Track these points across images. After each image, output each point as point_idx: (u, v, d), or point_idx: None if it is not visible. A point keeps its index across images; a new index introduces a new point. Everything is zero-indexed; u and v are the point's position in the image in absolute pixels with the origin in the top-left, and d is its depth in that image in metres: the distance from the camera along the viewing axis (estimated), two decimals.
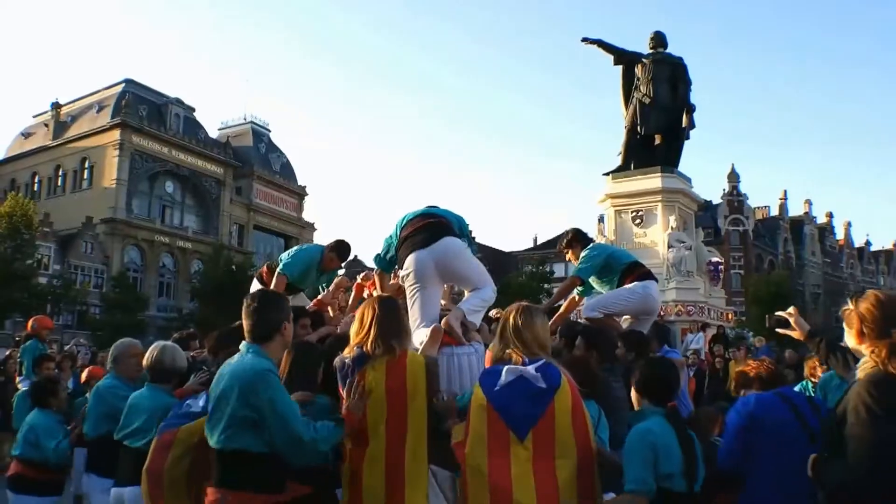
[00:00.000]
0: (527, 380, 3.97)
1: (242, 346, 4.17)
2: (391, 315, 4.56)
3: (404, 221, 6.43)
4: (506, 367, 4.03)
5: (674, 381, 4.70)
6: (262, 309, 4.25)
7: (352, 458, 4.35)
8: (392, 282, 7.56)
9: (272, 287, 8.10)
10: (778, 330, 4.92)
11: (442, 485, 4.59)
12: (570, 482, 3.89)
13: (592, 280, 8.21)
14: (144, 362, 6.03)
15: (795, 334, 4.83)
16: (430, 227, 6.29)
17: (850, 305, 3.67)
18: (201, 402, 4.97)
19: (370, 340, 4.43)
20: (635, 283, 7.90)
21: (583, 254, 8.18)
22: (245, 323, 4.24)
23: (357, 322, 4.61)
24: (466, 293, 6.40)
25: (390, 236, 6.68)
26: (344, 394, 4.38)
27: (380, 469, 4.23)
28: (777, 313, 4.93)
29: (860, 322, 3.57)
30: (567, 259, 8.68)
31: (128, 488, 5.40)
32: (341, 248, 8.65)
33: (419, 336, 5.36)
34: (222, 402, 3.95)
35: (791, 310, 4.87)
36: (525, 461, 3.86)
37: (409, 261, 6.10)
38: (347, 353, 4.51)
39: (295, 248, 8.85)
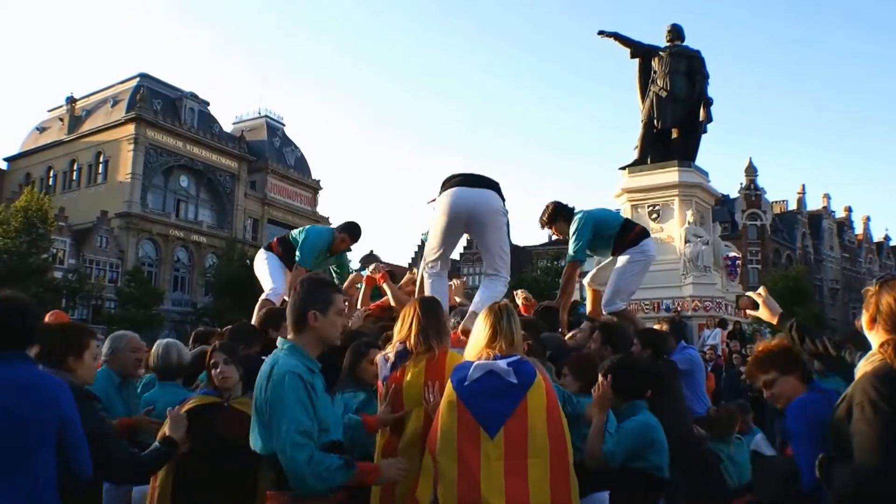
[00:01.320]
0: (498, 375, 3.87)
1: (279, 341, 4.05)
2: (432, 315, 4.55)
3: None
4: (476, 362, 3.96)
5: (652, 377, 4.99)
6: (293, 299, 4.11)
7: (386, 446, 4.40)
8: (407, 276, 7.59)
9: (291, 278, 8.16)
10: (748, 312, 4.69)
11: None
12: (542, 483, 3.78)
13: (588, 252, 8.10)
14: (150, 361, 6.00)
15: (765, 316, 4.60)
16: (479, 175, 6.37)
17: (874, 289, 3.51)
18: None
19: (412, 337, 4.42)
20: (631, 250, 7.74)
21: (571, 231, 7.89)
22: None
23: (399, 321, 4.60)
24: (483, 279, 6.46)
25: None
26: (382, 390, 4.47)
27: (415, 456, 4.20)
28: (746, 293, 4.72)
29: (876, 310, 3.44)
30: (551, 235, 8.49)
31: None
32: (353, 229, 8.66)
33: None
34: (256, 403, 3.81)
35: (761, 290, 4.65)
36: (496, 459, 3.76)
37: (447, 194, 6.18)
38: (390, 350, 4.52)
39: (305, 228, 8.77)
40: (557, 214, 8.18)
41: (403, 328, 4.51)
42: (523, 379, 3.86)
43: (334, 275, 8.88)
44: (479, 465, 3.76)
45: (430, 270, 6.69)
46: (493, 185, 6.34)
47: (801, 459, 3.93)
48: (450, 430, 3.86)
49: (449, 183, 6.37)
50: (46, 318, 11.85)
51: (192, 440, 4.35)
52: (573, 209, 8.21)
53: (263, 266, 8.70)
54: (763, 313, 4.55)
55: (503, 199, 6.44)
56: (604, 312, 7.89)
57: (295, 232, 8.78)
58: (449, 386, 3.97)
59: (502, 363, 3.89)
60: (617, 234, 7.80)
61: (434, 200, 6.57)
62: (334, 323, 3.98)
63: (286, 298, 7.54)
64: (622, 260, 7.78)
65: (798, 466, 3.95)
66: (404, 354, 4.42)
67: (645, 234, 8.02)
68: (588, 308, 8.54)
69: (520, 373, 3.87)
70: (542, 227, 8.47)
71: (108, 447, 4.00)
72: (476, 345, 4.09)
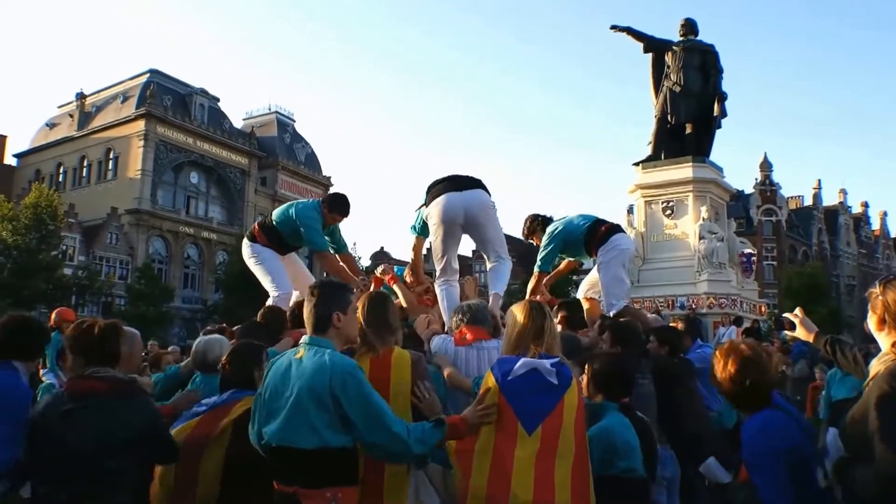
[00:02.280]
0: (540, 373, 4.00)
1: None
2: (376, 313, 4.61)
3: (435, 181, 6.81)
4: (522, 360, 4.04)
5: (629, 381, 4.97)
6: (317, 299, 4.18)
7: None
8: (418, 288, 7.58)
9: (326, 268, 8.06)
10: (786, 333, 4.83)
11: (433, 479, 4.64)
12: (564, 484, 3.90)
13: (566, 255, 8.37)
14: (192, 356, 6.07)
15: (802, 335, 4.71)
16: (464, 176, 6.68)
17: (878, 290, 3.52)
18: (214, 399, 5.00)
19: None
20: (602, 249, 7.89)
21: (542, 242, 8.23)
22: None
23: None
24: (489, 265, 6.59)
25: (421, 206, 7.07)
26: None
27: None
28: (784, 315, 4.84)
29: (885, 310, 3.45)
30: (536, 245, 8.65)
31: None
32: (343, 205, 8.43)
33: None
34: (305, 399, 3.83)
35: (797, 311, 4.76)
36: (530, 455, 3.88)
37: (439, 202, 6.41)
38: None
39: (287, 209, 8.41)
40: (535, 226, 8.58)
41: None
42: (563, 381, 4.01)
43: (331, 250, 8.63)
44: (513, 459, 3.88)
45: (440, 282, 6.97)
46: (478, 183, 6.67)
47: (764, 494, 3.63)
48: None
49: (436, 189, 6.64)
50: (52, 316, 12.00)
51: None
52: (550, 219, 8.56)
53: (260, 266, 8.50)
54: (800, 332, 4.70)
55: (489, 193, 6.80)
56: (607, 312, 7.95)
57: (276, 214, 8.51)
58: (490, 378, 4.09)
59: (546, 363, 4.02)
60: (585, 235, 7.90)
61: (422, 207, 6.97)
62: (353, 322, 4.21)
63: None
64: (597, 262, 7.98)
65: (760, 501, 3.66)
66: (348, 354, 4.48)
67: (614, 230, 8.11)
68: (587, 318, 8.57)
69: (560, 375, 4.02)
70: (525, 239, 8.86)
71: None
72: (519, 340, 4.20)
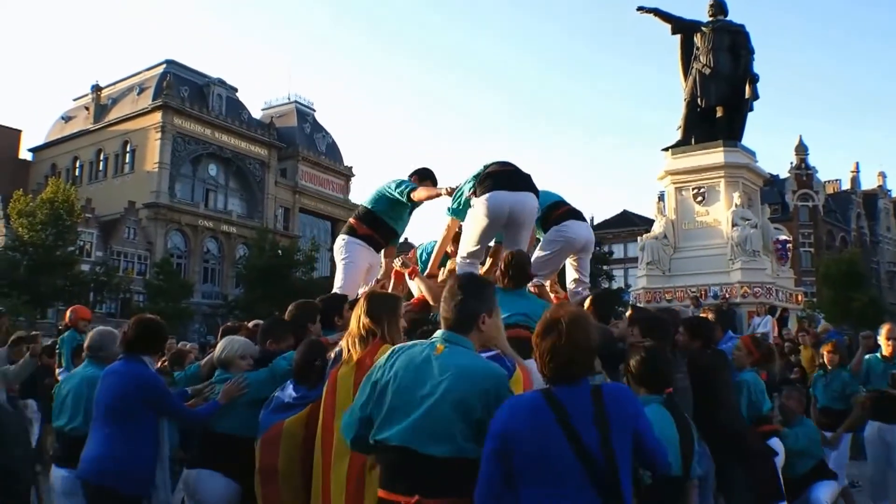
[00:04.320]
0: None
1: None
2: (376, 310, 4.61)
3: (485, 165, 6.96)
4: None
5: (669, 370, 4.98)
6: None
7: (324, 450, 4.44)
8: (439, 281, 7.53)
9: (447, 234, 7.91)
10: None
11: None
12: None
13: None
14: (216, 355, 6.12)
15: None
16: (521, 174, 6.86)
17: None
18: (290, 391, 5.13)
19: (349, 337, 4.56)
20: (552, 230, 7.83)
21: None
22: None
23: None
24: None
25: (461, 188, 7.10)
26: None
27: (343, 465, 4.26)
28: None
29: None
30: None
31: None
32: (427, 171, 8.28)
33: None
34: (449, 405, 3.63)
35: None
36: None
37: (490, 198, 6.56)
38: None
39: (384, 192, 8.04)
40: None
41: (352, 323, 4.63)
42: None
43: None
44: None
45: (463, 261, 7.04)
46: (532, 187, 6.82)
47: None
48: None
49: (489, 182, 6.67)
50: (68, 314, 12.08)
51: None
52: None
53: (342, 263, 8.23)
54: None
55: (537, 194, 6.95)
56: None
57: (366, 201, 8.32)
58: None
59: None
60: (542, 214, 7.83)
61: (462, 187, 7.03)
62: (497, 326, 4.10)
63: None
64: (545, 239, 7.93)
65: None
66: (340, 355, 4.54)
67: (571, 214, 7.99)
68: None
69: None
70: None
71: None
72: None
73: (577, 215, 8.06)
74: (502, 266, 5.52)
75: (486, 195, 6.62)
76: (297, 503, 4.71)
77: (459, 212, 7.29)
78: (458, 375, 3.63)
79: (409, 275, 7.45)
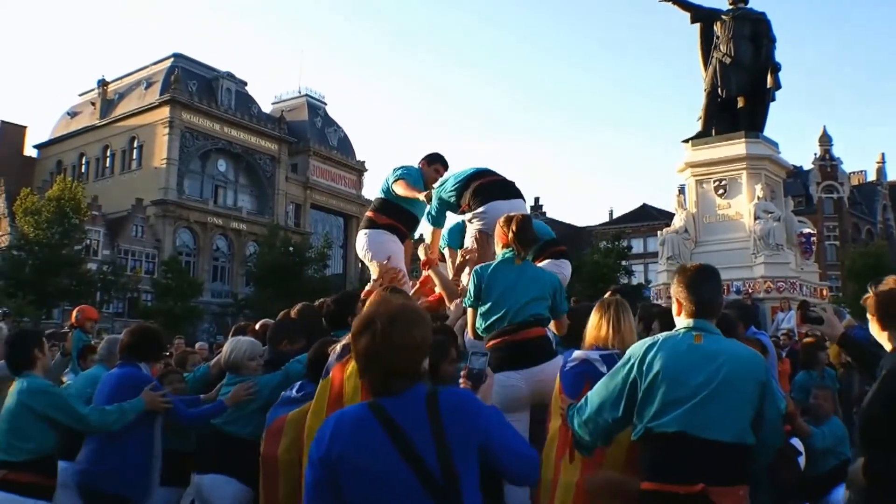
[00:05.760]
0: (592, 364, 4.47)
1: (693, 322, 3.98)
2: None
3: (465, 174, 7.18)
4: (575, 352, 4.57)
5: None
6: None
7: None
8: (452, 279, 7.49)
9: (433, 241, 7.93)
10: (814, 328, 4.87)
11: None
12: (617, 468, 4.17)
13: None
14: (224, 357, 6.18)
15: (828, 332, 4.81)
16: (508, 182, 7.20)
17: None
18: (296, 390, 5.28)
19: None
20: (548, 263, 7.96)
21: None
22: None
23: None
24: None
25: (439, 190, 7.33)
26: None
27: None
28: (812, 308, 4.93)
29: None
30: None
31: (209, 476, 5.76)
32: (437, 155, 8.20)
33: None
34: (732, 389, 3.75)
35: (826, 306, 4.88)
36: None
37: (489, 206, 6.81)
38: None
39: (397, 180, 7.77)
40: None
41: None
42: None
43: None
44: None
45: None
46: (520, 194, 7.19)
47: None
48: (555, 405, 4.61)
49: (486, 192, 6.96)
50: (74, 314, 12.10)
51: None
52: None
53: (370, 253, 7.98)
54: (827, 328, 4.84)
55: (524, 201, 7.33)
56: None
57: (379, 191, 8.20)
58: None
59: (595, 354, 4.56)
60: (540, 246, 7.97)
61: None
62: None
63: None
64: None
65: None
66: (348, 348, 4.49)
67: (565, 255, 8.49)
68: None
69: (609, 366, 4.26)
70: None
71: None
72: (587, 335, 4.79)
73: (568, 255, 8.54)
74: (513, 233, 5.56)
75: (483, 206, 6.87)
76: (295, 497, 4.69)
77: (436, 218, 7.59)
78: (734, 361, 3.78)
79: (424, 265, 7.39)
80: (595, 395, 3.95)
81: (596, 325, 4.74)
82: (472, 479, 2.88)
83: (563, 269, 7.93)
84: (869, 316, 3.97)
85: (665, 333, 3.99)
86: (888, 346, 3.84)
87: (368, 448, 2.81)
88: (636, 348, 3.93)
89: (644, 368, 3.80)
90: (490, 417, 3.04)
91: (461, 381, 3.63)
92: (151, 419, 5.83)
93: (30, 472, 5.50)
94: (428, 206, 7.46)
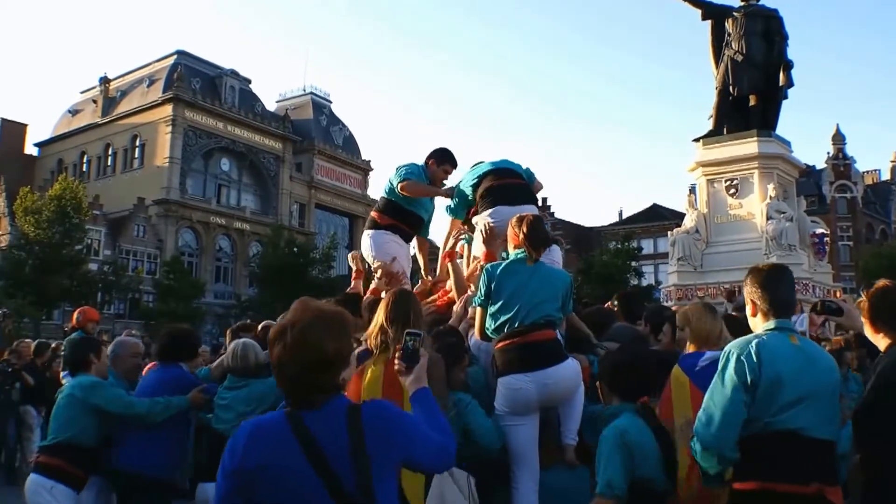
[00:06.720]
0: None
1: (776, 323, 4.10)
2: (399, 308, 4.75)
3: (483, 171, 7.20)
4: (707, 353, 4.73)
5: (646, 372, 4.88)
6: None
7: None
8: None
9: (449, 232, 7.82)
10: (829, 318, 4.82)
11: (459, 483, 4.64)
12: None
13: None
14: (227, 361, 6.37)
15: (848, 324, 4.81)
16: (519, 187, 7.16)
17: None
18: None
19: (371, 337, 4.70)
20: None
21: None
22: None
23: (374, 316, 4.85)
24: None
25: (460, 186, 7.48)
26: None
27: None
28: (828, 299, 4.92)
29: None
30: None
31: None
32: (449, 155, 8.15)
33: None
34: (828, 390, 3.97)
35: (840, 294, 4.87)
36: None
37: (493, 211, 6.83)
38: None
39: (399, 178, 7.78)
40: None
41: (372, 324, 4.77)
42: None
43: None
44: None
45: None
46: (531, 199, 7.18)
47: None
48: (685, 406, 4.64)
49: (492, 196, 6.99)
50: (75, 315, 12.09)
51: None
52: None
53: (374, 255, 7.98)
54: (847, 321, 4.75)
55: (538, 205, 7.31)
56: None
57: (383, 191, 8.19)
58: (678, 371, 4.83)
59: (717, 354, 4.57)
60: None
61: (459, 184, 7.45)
62: None
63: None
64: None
65: None
66: (365, 355, 4.63)
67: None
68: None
69: None
70: None
71: None
72: (697, 339, 5.01)
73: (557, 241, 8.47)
74: (524, 234, 5.58)
75: (489, 211, 6.85)
76: None
77: (457, 210, 7.60)
78: (829, 363, 4.04)
79: (444, 258, 7.34)
80: (714, 407, 3.89)
81: (711, 326, 5.03)
82: (390, 495, 2.87)
83: (553, 255, 7.76)
84: (863, 320, 4.06)
85: (754, 335, 4.02)
86: (882, 347, 3.92)
87: (282, 461, 2.76)
88: (740, 351, 3.91)
89: (761, 371, 3.82)
90: (411, 427, 2.99)
91: (395, 363, 3.44)
92: (188, 415, 6.40)
93: (59, 457, 5.90)
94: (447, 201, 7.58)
